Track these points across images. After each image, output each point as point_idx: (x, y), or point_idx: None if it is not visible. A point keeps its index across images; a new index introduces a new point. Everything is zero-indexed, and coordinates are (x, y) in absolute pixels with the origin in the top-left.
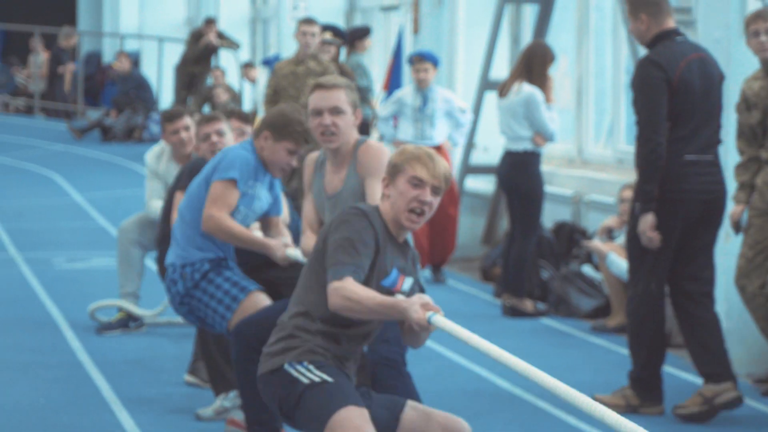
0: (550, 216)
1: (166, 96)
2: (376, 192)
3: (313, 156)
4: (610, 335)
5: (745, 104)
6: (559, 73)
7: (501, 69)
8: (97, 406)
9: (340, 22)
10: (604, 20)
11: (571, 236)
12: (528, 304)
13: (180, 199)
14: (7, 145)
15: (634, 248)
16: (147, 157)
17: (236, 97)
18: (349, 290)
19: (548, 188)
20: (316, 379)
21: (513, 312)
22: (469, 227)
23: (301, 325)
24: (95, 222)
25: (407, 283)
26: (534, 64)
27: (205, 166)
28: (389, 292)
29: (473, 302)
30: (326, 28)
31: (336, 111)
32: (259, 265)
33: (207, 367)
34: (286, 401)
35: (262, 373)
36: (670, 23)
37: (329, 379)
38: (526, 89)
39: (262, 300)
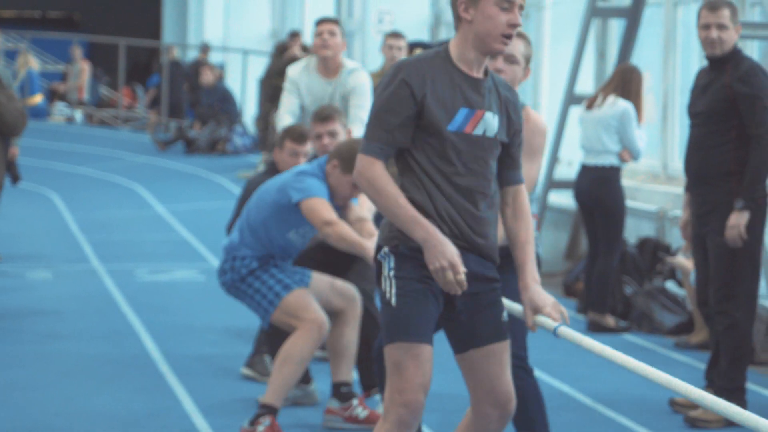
0: (634, 231)
1: (249, 109)
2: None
3: None
4: (693, 351)
5: None
6: (644, 88)
7: (586, 84)
8: (179, 417)
9: (425, 36)
10: (691, 35)
11: (654, 252)
12: (610, 320)
13: None
14: (92, 157)
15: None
16: (289, 71)
17: None
18: (375, 177)
19: (632, 203)
20: None
21: (595, 328)
22: (552, 242)
23: None
24: (178, 234)
25: (485, 123)
26: (631, 82)
27: (284, 175)
28: (462, 136)
29: None
30: (415, 44)
31: None
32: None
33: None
34: None
35: None
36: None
37: None
38: (622, 104)
39: (303, 296)
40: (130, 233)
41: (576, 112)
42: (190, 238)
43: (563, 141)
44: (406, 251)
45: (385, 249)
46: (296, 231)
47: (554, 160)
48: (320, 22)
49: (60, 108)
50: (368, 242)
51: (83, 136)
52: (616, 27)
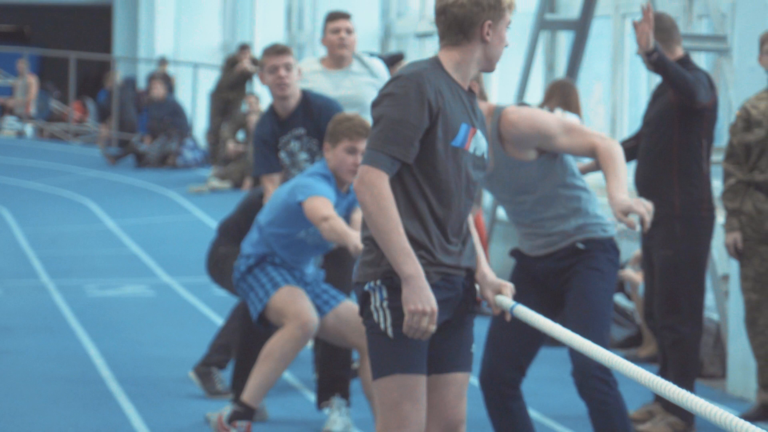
0: None
1: (200, 122)
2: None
3: None
4: (642, 365)
5: (745, 123)
6: (593, 100)
7: (535, 96)
8: None
9: (376, 49)
10: None
11: None
12: None
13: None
14: (42, 171)
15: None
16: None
17: None
18: (382, 193)
19: None
20: None
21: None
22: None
23: None
24: (128, 249)
25: (476, 141)
26: (571, 96)
27: (296, 176)
28: (463, 153)
29: None
30: None
31: None
32: None
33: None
34: None
35: None
36: (681, 51)
37: None
38: (570, 117)
39: (291, 294)
40: (80, 248)
41: None
42: (140, 252)
43: None
44: (391, 282)
45: (377, 281)
46: (306, 231)
47: None
48: (335, 17)
49: (10, 122)
50: (354, 232)
51: (33, 151)
52: (565, 39)
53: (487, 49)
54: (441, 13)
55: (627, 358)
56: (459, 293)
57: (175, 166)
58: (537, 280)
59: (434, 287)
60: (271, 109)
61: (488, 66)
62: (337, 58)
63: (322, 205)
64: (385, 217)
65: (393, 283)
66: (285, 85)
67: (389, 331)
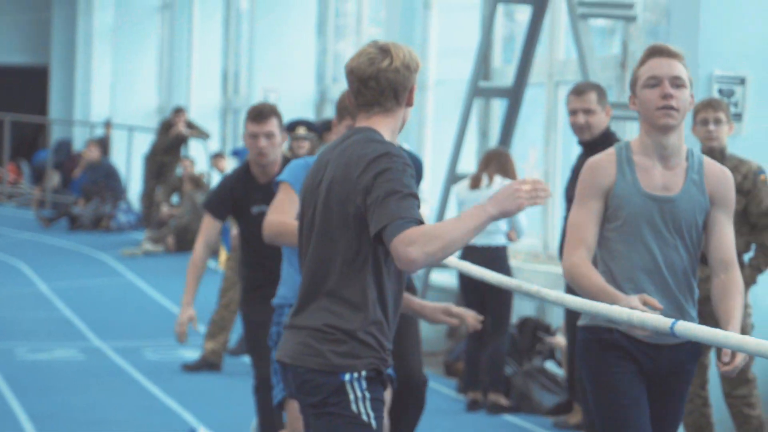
0: (515, 311)
1: (134, 185)
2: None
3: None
4: None
5: None
6: (528, 165)
7: (469, 163)
8: None
9: (311, 114)
10: None
11: (534, 332)
12: (503, 400)
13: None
14: None
15: None
16: None
17: (204, 187)
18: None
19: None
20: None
21: (495, 408)
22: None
23: None
24: (60, 312)
25: None
26: (508, 163)
27: None
28: None
29: (436, 397)
30: (298, 123)
31: None
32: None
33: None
34: None
35: None
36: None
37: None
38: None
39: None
40: (11, 311)
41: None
42: (72, 316)
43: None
44: (374, 375)
45: (361, 373)
46: None
47: None
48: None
49: None
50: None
51: None
52: (499, 106)
53: (405, 114)
54: (372, 79)
55: (556, 425)
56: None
57: (109, 229)
58: (653, 375)
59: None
60: (248, 169)
61: (400, 131)
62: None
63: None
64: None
65: (375, 374)
66: (264, 155)
67: (373, 423)
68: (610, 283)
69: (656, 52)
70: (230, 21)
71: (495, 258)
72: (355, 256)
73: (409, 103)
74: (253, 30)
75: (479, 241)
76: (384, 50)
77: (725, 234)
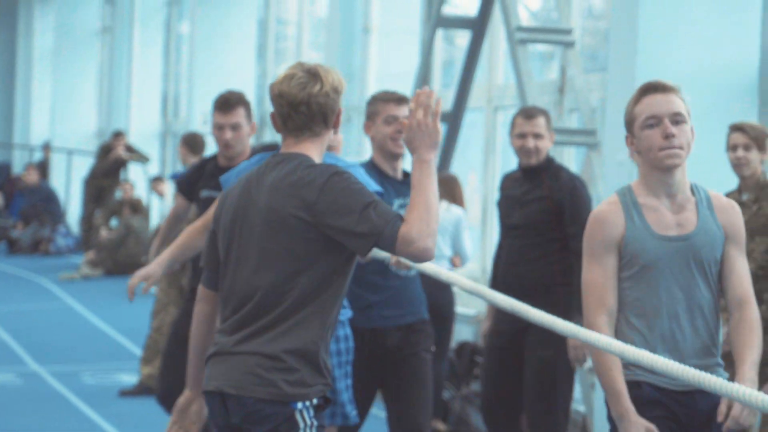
0: (453, 336)
1: (73, 209)
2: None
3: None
4: None
5: None
6: (469, 189)
7: None
8: None
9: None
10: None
11: (472, 356)
12: (440, 425)
13: None
14: None
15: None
16: None
17: (142, 211)
18: None
19: None
20: None
21: None
22: None
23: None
24: None
25: None
26: (455, 188)
27: None
28: None
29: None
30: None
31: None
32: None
33: None
34: None
35: None
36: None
37: None
38: (456, 210)
39: None
40: None
41: None
42: (9, 340)
43: None
44: (322, 402)
45: (313, 400)
46: None
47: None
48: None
49: None
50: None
51: None
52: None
53: (330, 137)
54: (303, 104)
55: None
56: None
57: (48, 253)
58: (691, 424)
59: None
60: (216, 158)
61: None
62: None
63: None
64: None
65: (323, 402)
66: (230, 147)
67: None
68: (636, 335)
69: (651, 88)
70: (170, 45)
71: (440, 284)
72: (309, 283)
73: (335, 126)
74: (193, 54)
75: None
76: (313, 74)
77: (739, 269)
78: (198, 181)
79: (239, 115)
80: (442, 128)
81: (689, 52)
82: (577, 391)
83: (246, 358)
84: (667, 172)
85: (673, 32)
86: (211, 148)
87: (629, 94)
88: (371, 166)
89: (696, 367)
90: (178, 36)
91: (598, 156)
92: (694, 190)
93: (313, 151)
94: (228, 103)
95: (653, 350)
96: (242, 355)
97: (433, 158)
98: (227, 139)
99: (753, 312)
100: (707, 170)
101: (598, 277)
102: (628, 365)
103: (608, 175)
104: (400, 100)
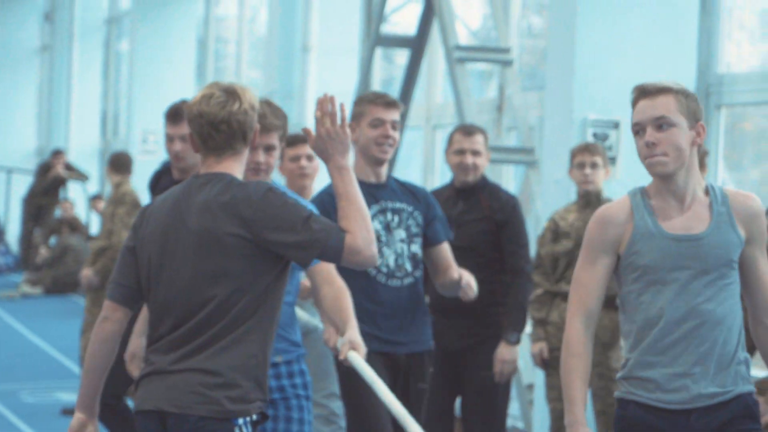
0: None
1: (13, 227)
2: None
3: None
4: None
5: (554, 234)
6: None
7: None
8: None
9: None
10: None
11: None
12: None
13: None
14: None
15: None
16: None
17: (80, 229)
18: None
19: None
20: None
21: None
22: None
23: None
24: None
25: None
26: None
27: None
28: None
29: None
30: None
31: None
32: None
33: None
34: None
35: None
36: None
37: None
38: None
39: None
40: None
41: None
42: None
43: None
44: (260, 418)
45: (252, 417)
46: None
47: None
48: (294, 142)
49: None
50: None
51: None
52: None
53: (178, 159)
54: (224, 122)
55: None
56: None
57: None
58: None
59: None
60: (169, 168)
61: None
62: (298, 187)
63: None
64: None
65: (261, 417)
66: (180, 159)
67: None
68: (636, 337)
69: (639, 93)
70: (110, 63)
71: None
72: (248, 299)
73: (253, 144)
74: (133, 72)
75: None
76: (231, 93)
77: (762, 272)
78: (153, 193)
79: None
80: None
81: (626, 70)
82: (516, 408)
83: (187, 376)
84: (665, 178)
85: (610, 50)
86: (140, 166)
87: (567, 113)
88: None
89: (696, 376)
90: (117, 54)
91: (536, 174)
92: (709, 190)
93: (236, 169)
94: (178, 113)
95: (654, 354)
96: (182, 373)
97: (348, 163)
98: (177, 150)
99: None
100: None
101: (587, 277)
102: (622, 379)
103: (546, 193)
104: (389, 104)
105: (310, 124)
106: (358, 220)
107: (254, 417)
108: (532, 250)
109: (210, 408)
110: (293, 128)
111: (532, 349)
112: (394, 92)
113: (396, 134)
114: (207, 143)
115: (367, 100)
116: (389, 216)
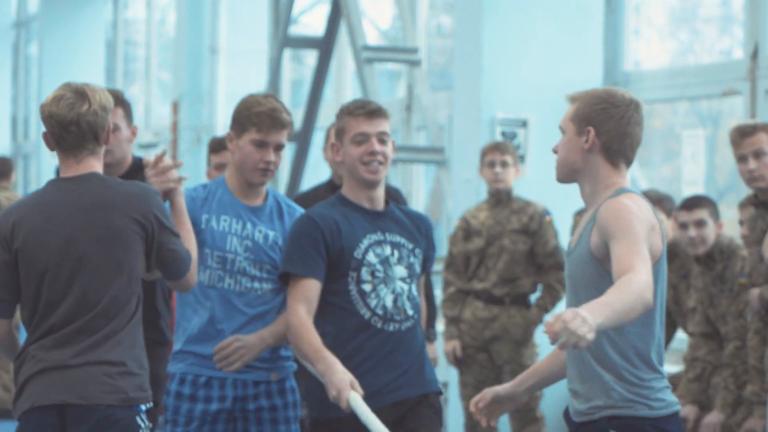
0: None
1: None
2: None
3: None
4: None
5: (465, 233)
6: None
7: None
8: None
9: None
10: None
11: None
12: None
13: None
14: None
15: None
16: None
17: None
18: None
19: None
20: None
21: None
22: None
23: None
24: None
25: None
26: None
27: None
28: None
29: None
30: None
31: None
32: None
33: None
34: None
35: None
36: None
37: None
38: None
39: None
40: None
41: None
42: None
43: None
44: (151, 407)
45: (148, 404)
46: None
47: None
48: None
49: None
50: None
51: None
52: (288, 150)
53: (105, 154)
54: (73, 123)
55: None
56: None
57: None
58: None
59: None
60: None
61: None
62: None
63: None
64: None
65: (153, 407)
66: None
67: None
68: (638, 339)
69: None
70: (19, 67)
71: None
72: (136, 291)
73: (106, 143)
74: (42, 76)
75: None
76: (81, 94)
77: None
78: None
79: (116, 116)
80: (291, 148)
81: (533, 71)
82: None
83: (90, 368)
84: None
85: (517, 50)
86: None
87: (475, 112)
88: (339, 200)
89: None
90: (26, 58)
91: (447, 173)
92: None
93: (99, 168)
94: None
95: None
96: (85, 366)
97: (182, 198)
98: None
99: None
100: (563, 188)
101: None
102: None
103: (456, 192)
104: (372, 113)
105: (221, 126)
106: (191, 247)
107: (149, 405)
108: (444, 249)
109: (116, 397)
110: (203, 131)
111: (446, 347)
112: (304, 93)
113: (386, 149)
114: (60, 143)
115: (347, 112)
116: (388, 249)
